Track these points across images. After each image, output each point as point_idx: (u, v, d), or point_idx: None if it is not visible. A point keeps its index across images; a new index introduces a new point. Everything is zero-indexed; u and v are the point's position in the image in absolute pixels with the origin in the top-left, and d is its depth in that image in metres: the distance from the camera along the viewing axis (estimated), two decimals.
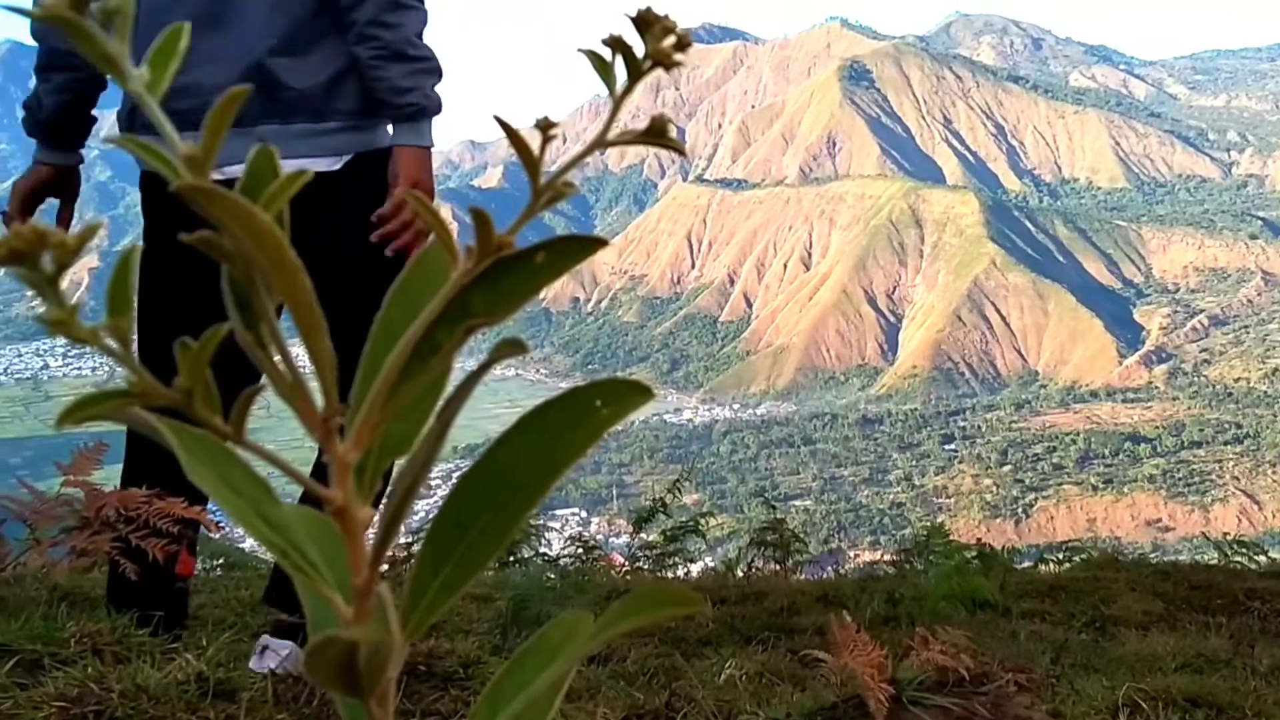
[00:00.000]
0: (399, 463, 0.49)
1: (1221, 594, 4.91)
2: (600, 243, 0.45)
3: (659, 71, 0.45)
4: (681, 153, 0.49)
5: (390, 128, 2.60)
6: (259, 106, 2.40)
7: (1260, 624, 4.37)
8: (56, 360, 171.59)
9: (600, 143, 0.45)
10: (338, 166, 2.49)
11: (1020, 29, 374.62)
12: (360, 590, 0.46)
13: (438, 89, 2.56)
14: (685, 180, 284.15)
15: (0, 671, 2.20)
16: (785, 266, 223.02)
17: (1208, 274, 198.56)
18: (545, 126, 0.45)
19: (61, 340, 0.40)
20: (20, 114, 2.86)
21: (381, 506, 0.49)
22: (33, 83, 2.68)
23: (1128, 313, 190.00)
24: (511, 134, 0.45)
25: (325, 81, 2.47)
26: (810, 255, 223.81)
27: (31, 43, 2.68)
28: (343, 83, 2.50)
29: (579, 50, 0.44)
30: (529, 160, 0.45)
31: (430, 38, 2.56)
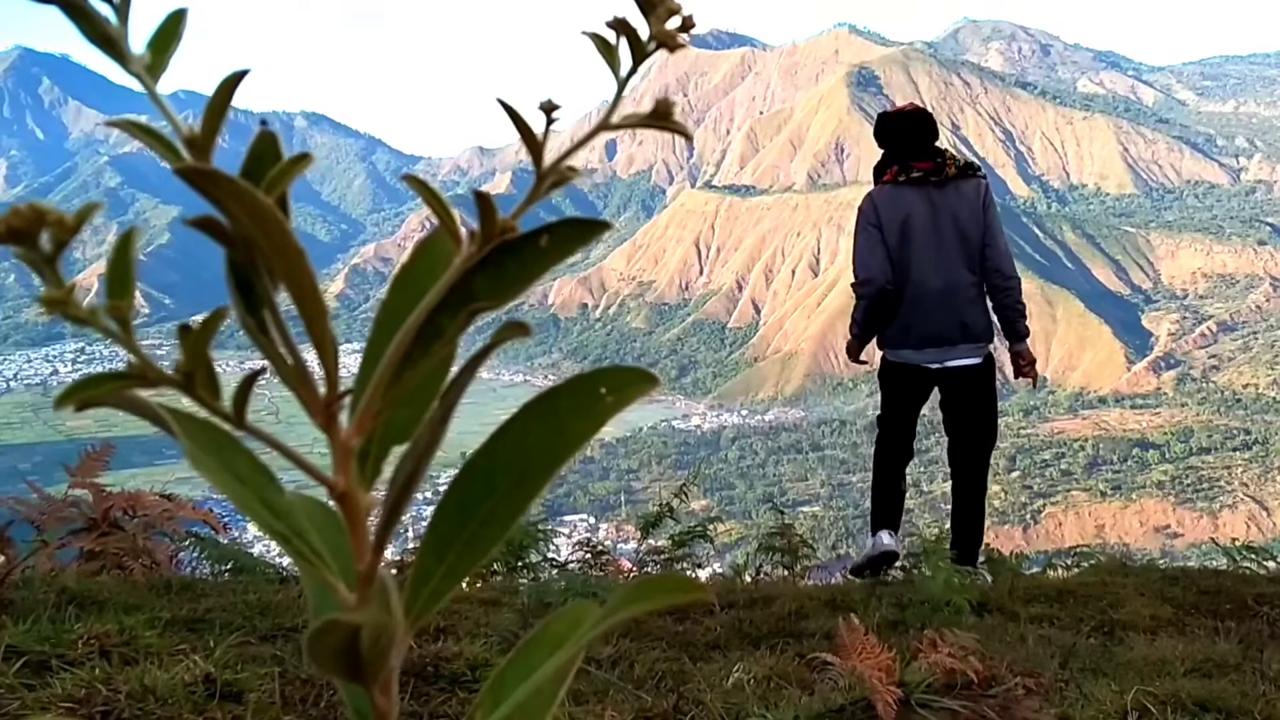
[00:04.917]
0: (401, 449, 0.48)
1: (1230, 599, 4.89)
2: (604, 225, 0.45)
3: (666, 77, 0.45)
4: (688, 137, 0.48)
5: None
6: (958, 334, 5.21)
7: (1269, 629, 4.35)
8: (66, 366, 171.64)
9: (605, 125, 0.45)
10: (979, 361, 5.24)
11: (1028, 35, 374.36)
12: (363, 576, 0.46)
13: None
14: (693, 186, 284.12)
15: (9, 673, 2.20)
16: (793, 273, 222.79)
17: (1216, 280, 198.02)
18: (549, 109, 0.44)
19: (71, 345, 0.40)
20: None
21: (383, 493, 0.48)
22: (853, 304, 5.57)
23: (1136, 319, 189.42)
24: (515, 116, 0.44)
25: (984, 325, 5.17)
26: (819, 261, 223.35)
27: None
28: (989, 324, 5.14)
29: (582, 33, 0.44)
30: (532, 143, 0.44)
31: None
